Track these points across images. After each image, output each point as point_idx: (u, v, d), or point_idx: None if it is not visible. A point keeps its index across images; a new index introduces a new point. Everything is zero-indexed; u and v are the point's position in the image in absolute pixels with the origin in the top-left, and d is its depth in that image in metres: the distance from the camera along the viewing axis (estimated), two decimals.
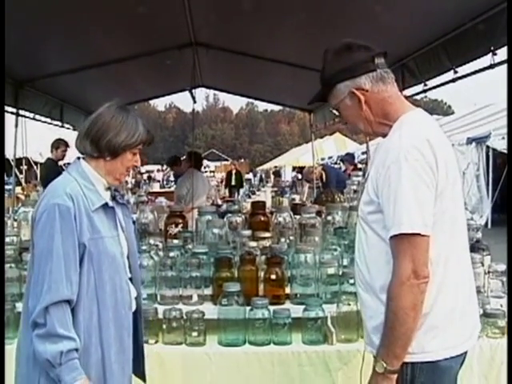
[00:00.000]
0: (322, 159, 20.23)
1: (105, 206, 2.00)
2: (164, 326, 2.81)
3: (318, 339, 2.78)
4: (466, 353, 1.88)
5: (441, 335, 1.79)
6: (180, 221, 3.77)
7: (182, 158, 8.11)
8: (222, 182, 22.15)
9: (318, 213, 3.90)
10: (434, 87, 4.84)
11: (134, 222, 2.70)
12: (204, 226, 3.55)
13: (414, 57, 4.79)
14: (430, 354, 1.78)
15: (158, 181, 26.19)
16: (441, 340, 1.79)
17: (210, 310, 2.85)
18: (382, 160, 1.77)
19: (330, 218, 3.68)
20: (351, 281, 2.75)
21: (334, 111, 1.99)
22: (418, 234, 1.68)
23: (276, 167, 30.35)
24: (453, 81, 4.28)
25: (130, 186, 16.95)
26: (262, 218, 3.73)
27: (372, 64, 1.86)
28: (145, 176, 28.74)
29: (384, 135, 1.90)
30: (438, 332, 1.78)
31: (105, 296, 1.94)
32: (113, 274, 1.97)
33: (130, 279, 2.10)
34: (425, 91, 4.97)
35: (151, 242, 3.36)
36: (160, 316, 2.84)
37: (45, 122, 7.13)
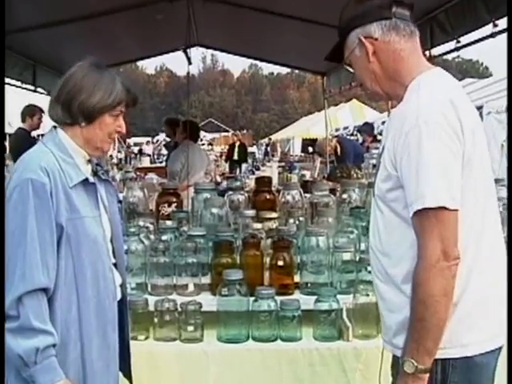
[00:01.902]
0: (337, 130, 20.17)
1: (85, 181, 1.99)
2: (155, 320, 2.83)
3: (332, 335, 2.80)
4: (501, 347, 1.86)
5: (476, 326, 1.77)
6: (174, 199, 3.79)
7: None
8: (221, 155, 22.18)
9: (332, 190, 3.91)
10: (469, 44, 4.77)
11: (119, 202, 2.70)
12: (201, 205, 3.57)
13: (446, 8, 4.72)
14: (465, 348, 1.76)
15: (148, 155, 26.18)
16: (476, 331, 1.77)
17: (208, 301, 2.87)
18: (399, 126, 1.75)
19: (345, 196, 3.69)
20: (369, 268, 2.75)
21: (348, 68, 1.98)
22: (445, 208, 1.66)
23: (270, 139, 30.91)
24: (491, 36, 4.20)
25: (115, 160, 16.99)
26: (268, 197, 3.74)
27: (387, 11, 1.84)
28: (135, 149, 28.78)
29: (398, 97, 1.88)
30: (472, 322, 1.77)
31: (85, 284, 1.94)
32: (94, 259, 1.97)
33: (115, 265, 2.10)
34: (457, 49, 4.90)
35: (141, 223, 3.37)
36: (151, 308, 2.85)
37: (15, 85, 7.08)
